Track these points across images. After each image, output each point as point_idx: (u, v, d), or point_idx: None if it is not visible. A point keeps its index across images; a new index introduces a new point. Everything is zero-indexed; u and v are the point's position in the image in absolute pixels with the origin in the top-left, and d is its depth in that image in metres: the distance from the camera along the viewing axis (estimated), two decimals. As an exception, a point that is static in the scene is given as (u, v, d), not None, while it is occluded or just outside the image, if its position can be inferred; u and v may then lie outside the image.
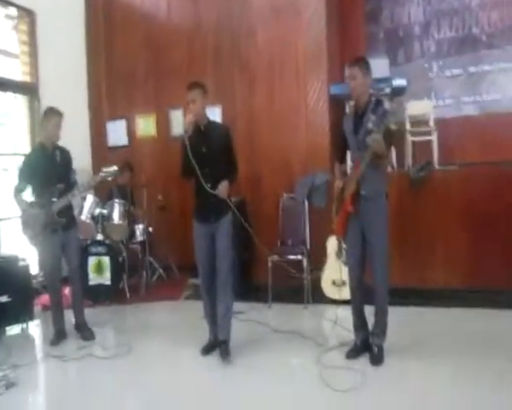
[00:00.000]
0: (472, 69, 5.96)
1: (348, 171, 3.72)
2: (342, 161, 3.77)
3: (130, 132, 6.85)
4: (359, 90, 3.46)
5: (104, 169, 4.33)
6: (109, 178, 4.40)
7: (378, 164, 3.35)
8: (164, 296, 5.60)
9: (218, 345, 3.88)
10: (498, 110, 5.81)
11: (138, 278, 5.88)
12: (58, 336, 4.35)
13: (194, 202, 3.96)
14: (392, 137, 3.28)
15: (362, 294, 3.62)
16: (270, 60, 5.90)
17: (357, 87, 3.45)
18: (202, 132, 3.81)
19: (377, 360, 3.49)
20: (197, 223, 3.89)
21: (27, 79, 6.24)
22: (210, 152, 3.77)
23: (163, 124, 6.64)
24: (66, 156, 4.41)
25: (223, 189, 3.72)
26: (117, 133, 6.88)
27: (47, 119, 4.28)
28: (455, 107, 6.03)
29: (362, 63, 3.50)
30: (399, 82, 5.47)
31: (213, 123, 4.00)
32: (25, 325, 4.76)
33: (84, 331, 4.40)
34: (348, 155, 3.76)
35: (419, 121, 5.66)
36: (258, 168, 5.83)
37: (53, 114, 4.29)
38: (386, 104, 3.39)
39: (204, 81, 6.02)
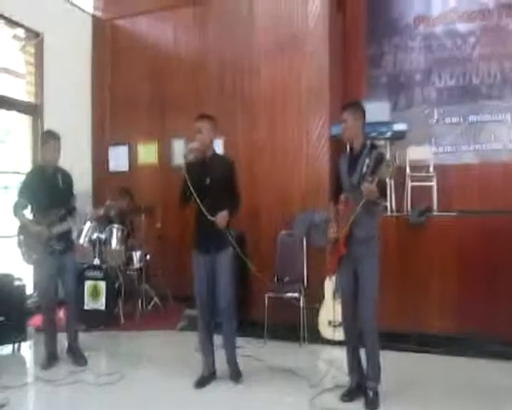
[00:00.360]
0: (472, 118, 6.09)
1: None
2: (338, 201, 3.81)
3: (132, 159, 6.91)
4: (349, 134, 3.57)
5: (108, 202, 4.37)
6: (112, 212, 4.42)
7: (372, 209, 3.41)
8: (158, 325, 5.56)
9: (230, 372, 3.98)
10: (497, 160, 5.92)
11: (133, 304, 5.85)
12: (49, 359, 4.31)
13: (193, 232, 3.97)
14: (385, 186, 3.35)
15: (356, 334, 3.61)
16: (273, 95, 5.99)
17: (347, 130, 3.57)
18: (207, 164, 3.88)
19: (372, 405, 3.46)
20: (197, 253, 3.92)
21: (32, 99, 6.32)
22: (212, 184, 3.83)
23: (165, 153, 6.71)
24: (67, 180, 4.43)
25: (221, 218, 3.76)
26: (118, 159, 6.94)
27: (44, 142, 4.32)
28: (454, 154, 6.14)
29: (353, 107, 3.61)
30: (400, 127, 5.55)
31: (218, 155, 4.08)
32: (17, 346, 4.72)
33: (77, 356, 4.36)
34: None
35: (419, 166, 5.75)
36: (258, 202, 5.86)
37: (49, 137, 4.31)
38: (383, 153, 3.49)
39: (208, 113, 6.27)
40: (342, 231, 3.52)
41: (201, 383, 3.90)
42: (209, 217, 3.74)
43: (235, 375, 3.98)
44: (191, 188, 3.72)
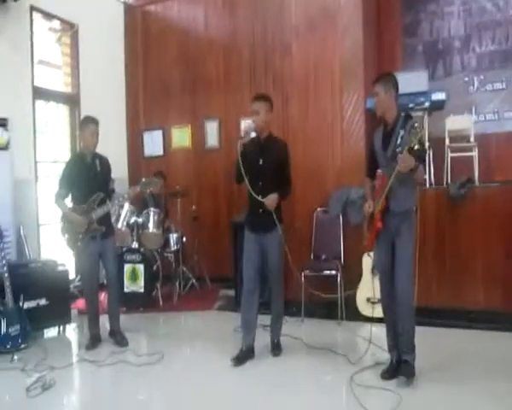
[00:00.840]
0: (515, 83, 5.81)
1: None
2: (373, 177, 3.71)
3: (166, 143, 6.96)
4: (382, 107, 3.45)
5: (143, 179, 4.40)
6: (148, 189, 4.46)
7: (406, 180, 3.29)
8: (196, 306, 5.63)
9: (272, 347, 4.10)
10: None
11: (171, 286, 5.94)
12: (93, 341, 4.43)
13: (246, 211, 4.09)
14: (416, 155, 3.19)
15: (395, 310, 3.51)
16: (306, 72, 5.89)
17: (380, 104, 3.45)
18: (261, 145, 3.93)
19: (407, 373, 3.39)
20: (247, 231, 4.03)
21: (69, 89, 6.44)
22: (265, 165, 3.89)
23: (198, 135, 6.73)
24: (105, 165, 4.51)
25: (271, 201, 3.83)
26: (153, 144, 7.01)
27: (84, 127, 4.40)
28: (496, 122, 5.87)
29: (384, 80, 3.48)
30: (439, 96, 5.36)
31: (273, 137, 4.05)
32: (62, 328, 4.89)
33: (118, 338, 4.46)
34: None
35: (459, 137, 5.53)
36: (293, 180, 5.77)
37: (89, 122, 4.39)
38: (416, 121, 3.32)
39: (239, 94, 6.26)
40: (377, 206, 3.43)
41: (240, 359, 3.92)
42: (259, 198, 3.81)
43: (277, 349, 4.08)
44: (242, 170, 3.79)
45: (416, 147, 3.11)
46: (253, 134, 3.94)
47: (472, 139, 5.45)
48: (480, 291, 4.67)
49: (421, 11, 6.33)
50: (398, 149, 3.18)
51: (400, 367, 3.46)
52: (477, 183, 5.06)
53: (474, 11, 6.07)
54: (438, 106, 5.41)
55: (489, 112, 5.92)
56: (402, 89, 3.60)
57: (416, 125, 3.06)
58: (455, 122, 5.52)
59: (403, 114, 3.43)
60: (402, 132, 3.29)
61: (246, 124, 3.91)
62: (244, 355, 3.94)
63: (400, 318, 3.45)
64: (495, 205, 4.68)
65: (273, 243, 3.92)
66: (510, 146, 5.68)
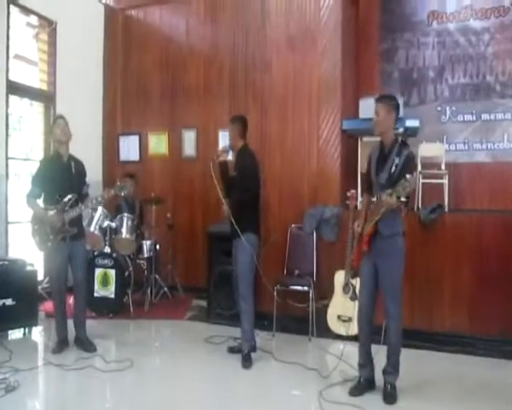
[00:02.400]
0: (484, 116, 6.05)
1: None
2: (370, 192, 3.76)
3: (142, 149, 6.91)
4: (381, 128, 3.50)
5: (118, 183, 4.37)
6: (122, 193, 4.43)
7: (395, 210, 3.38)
8: (167, 315, 5.59)
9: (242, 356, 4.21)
10: (510, 159, 5.88)
11: (143, 294, 5.90)
12: (60, 344, 4.36)
13: None
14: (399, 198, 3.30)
15: (371, 333, 3.63)
16: (285, 90, 5.97)
17: (379, 123, 3.50)
18: (236, 158, 4.35)
19: (390, 398, 3.49)
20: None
21: (44, 86, 6.33)
22: (235, 177, 4.29)
23: (175, 143, 6.72)
24: (80, 168, 4.48)
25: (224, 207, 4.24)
26: (129, 148, 6.96)
27: (53, 125, 4.42)
28: (466, 152, 6.11)
29: (387, 100, 3.54)
30: (412, 123, 5.51)
31: (243, 152, 4.36)
32: (28, 330, 4.78)
33: (86, 344, 4.38)
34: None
35: (431, 164, 5.72)
36: (268, 196, 5.85)
37: (57, 118, 4.45)
38: (413, 153, 3.46)
39: (219, 105, 6.30)
40: (366, 229, 3.51)
41: (234, 350, 4.38)
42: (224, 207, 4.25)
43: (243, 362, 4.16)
44: (216, 184, 4.22)
45: (403, 199, 3.22)
46: (230, 154, 4.45)
47: (443, 167, 5.64)
48: (447, 314, 4.82)
49: (398, 39, 6.54)
50: (388, 191, 3.22)
51: (385, 391, 3.53)
52: (447, 209, 5.24)
53: (448, 44, 6.32)
54: (411, 132, 5.57)
55: (460, 142, 6.16)
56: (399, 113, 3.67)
57: (408, 177, 3.10)
58: (427, 149, 5.71)
59: (399, 139, 3.52)
60: (397, 160, 3.39)
61: (224, 146, 4.57)
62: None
63: (389, 341, 3.55)
64: (463, 232, 4.85)
65: (237, 250, 4.22)
66: (479, 176, 5.91)
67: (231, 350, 4.41)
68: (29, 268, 4.88)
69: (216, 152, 4.52)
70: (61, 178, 4.28)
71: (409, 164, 3.39)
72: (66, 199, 4.24)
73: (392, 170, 3.39)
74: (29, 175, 4.60)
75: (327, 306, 4.93)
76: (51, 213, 4.22)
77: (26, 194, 4.32)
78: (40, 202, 4.37)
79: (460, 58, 6.28)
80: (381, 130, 3.52)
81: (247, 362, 4.11)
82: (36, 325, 4.84)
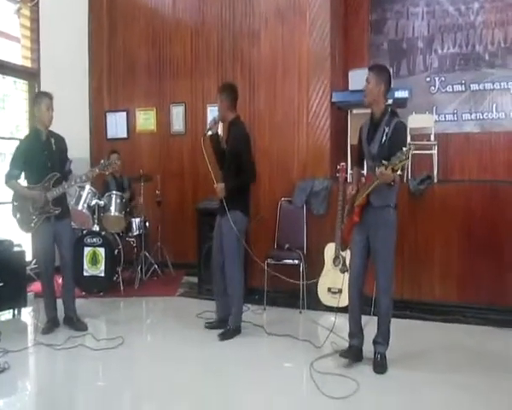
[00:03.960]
0: (474, 87, 6.04)
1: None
2: (361, 165, 3.79)
3: (130, 126, 6.82)
4: (371, 96, 3.46)
5: (102, 161, 4.29)
6: (107, 171, 4.35)
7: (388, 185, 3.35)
8: (158, 292, 5.59)
9: (223, 331, 4.20)
10: (498, 129, 5.89)
11: (133, 271, 5.89)
12: (50, 324, 4.32)
13: None
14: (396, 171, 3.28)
15: (361, 303, 3.65)
16: (273, 62, 5.89)
17: (369, 92, 3.46)
18: (227, 132, 4.21)
19: (380, 367, 3.52)
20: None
21: (28, 64, 6.20)
22: (227, 151, 4.18)
23: (163, 119, 6.64)
24: (61, 145, 4.35)
25: (217, 189, 4.09)
26: (117, 125, 6.87)
27: (38, 102, 4.23)
28: (455, 123, 6.10)
29: (378, 71, 3.50)
30: (402, 94, 5.47)
31: (235, 124, 4.22)
32: (17, 312, 4.75)
33: (76, 324, 4.35)
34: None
35: (420, 135, 5.70)
36: (258, 169, 5.73)
37: (43, 96, 4.25)
38: (403, 122, 3.44)
39: (206, 79, 6.22)
40: (357, 201, 3.50)
41: (212, 326, 4.35)
42: (214, 185, 4.11)
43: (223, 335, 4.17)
44: (208, 163, 4.11)
45: (399, 172, 3.19)
46: (212, 131, 4.21)
47: (432, 138, 5.63)
48: (436, 284, 4.86)
49: (388, 10, 6.47)
50: (384, 162, 3.16)
51: (375, 361, 3.56)
52: (436, 180, 5.24)
53: (438, 14, 6.26)
54: (400, 103, 5.54)
55: (449, 112, 6.14)
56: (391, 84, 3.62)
57: (404, 150, 3.06)
58: (417, 120, 5.69)
59: (389, 109, 3.47)
60: (387, 129, 3.36)
61: (211, 119, 4.26)
62: (216, 324, 4.33)
63: (380, 312, 3.57)
64: (452, 202, 4.86)
65: (225, 228, 4.12)
66: (468, 147, 5.92)
67: (210, 326, 4.35)
68: (16, 249, 4.83)
69: (205, 127, 4.38)
70: (41, 156, 4.17)
71: (399, 133, 3.37)
72: (48, 177, 4.15)
73: (383, 140, 3.37)
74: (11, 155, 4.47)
75: (317, 277, 4.95)
76: (33, 192, 4.15)
77: (5, 175, 4.21)
78: (22, 182, 4.27)
79: (449, 28, 6.23)
80: (371, 99, 3.47)
81: (225, 336, 4.13)
82: (25, 305, 4.81)
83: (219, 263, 4.21)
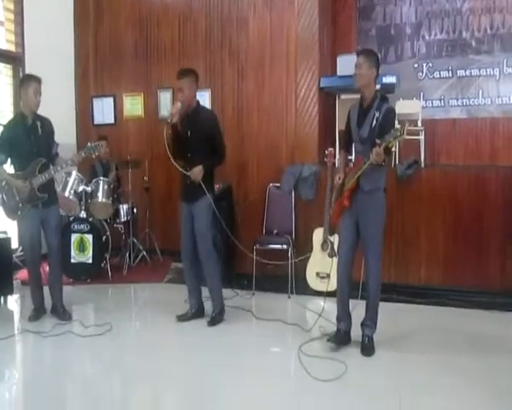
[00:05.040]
0: (460, 73, 6.07)
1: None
2: (348, 149, 3.81)
3: (117, 111, 6.74)
4: (362, 81, 3.45)
5: (89, 144, 4.21)
6: (93, 155, 4.30)
7: (378, 168, 3.38)
8: (146, 278, 5.58)
9: (211, 317, 4.19)
10: (485, 115, 5.94)
11: (121, 258, 5.86)
12: (37, 312, 4.28)
13: (180, 183, 4.22)
14: (388, 153, 3.32)
15: (349, 286, 3.67)
16: (261, 47, 5.87)
17: (360, 77, 3.44)
18: (189, 117, 4.00)
19: (368, 350, 3.55)
20: (180, 202, 4.17)
21: (12, 47, 6.09)
22: (193, 137, 3.98)
23: (151, 105, 6.57)
24: (47, 128, 4.23)
25: (195, 174, 3.94)
26: (103, 111, 6.78)
27: (25, 86, 4.10)
28: (442, 109, 6.14)
29: (369, 54, 3.51)
30: (389, 79, 5.48)
31: (201, 108, 4.14)
32: (3, 299, 4.71)
33: (60, 313, 4.27)
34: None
35: (407, 120, 5.69)
36: (246, 155, 5.82)
37: (31, 80, 4.12)
38: (393, 108, 3.45)
39: (194, 64, 6.14)
40: (347, 185, 3.51)
41: (183, 318, 4.24)
42: (185, 172, 3.96)
43: (213, 321, 4.16)
44: (167, 148, 3.92)
45: (393, 149, 3.22)
46: (175, 119, 3.96)
47: (419, 124, 5.66)
48: (422, 268, 4.93)
49: (376, -5, 6.46)
50: (377, 141, 3.19)
51: (363, 344, 3.59)
52: (423, 165, 5.28)
53: (425, 0, 6.25)
54: (388, 89, 5.54)
55: (436, 98, 6.18)
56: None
57: (399, 128, 3.08)
58: (404, 106, 5.70)
59: (379, 95, 3.48)
60: (377, 114, 3.37)
61: (174, 107, 3.96)
62: (189, 316, 4.24)
63: (368, 295, 3.61)
64: (439, 187, 4.91)
65: (200, 211, 4.05)
66: (454, 132, 5.97)
67: (181, 319, 4.24)
68: (2, 236, 4.79)
69: (171, 113, 3.94)
70: (27, 140, 4.07)
71: (389, 117, 3.39)
72: (34, 163, 4.07)
73: (373, 124, 3.38)
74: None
75: (306, 262, 4.97)
76: (17, 183, 4.07)
77: None
78: (8, 167, 4.19)
79: (437, 14, 6.24)
80: (363, 83, 3.47)
81: (214, 321, 4.14)
82: (11, 293, 4.77)
83: (190, 252, 4.15)
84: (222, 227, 4.53)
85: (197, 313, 4.27)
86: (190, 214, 4.08)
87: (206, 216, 4.07)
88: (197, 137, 3.97)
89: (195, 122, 3.98)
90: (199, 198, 4.02)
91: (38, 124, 4.16)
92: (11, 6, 6.06)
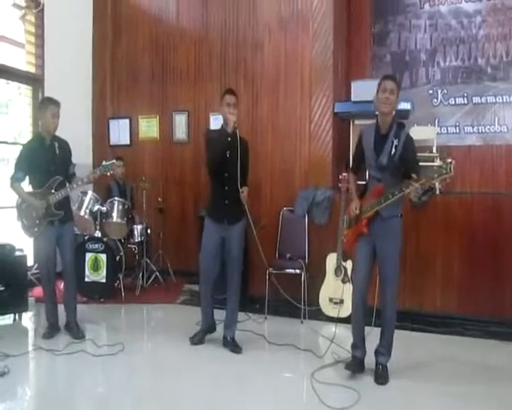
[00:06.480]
0: (476, 99, 6.06)
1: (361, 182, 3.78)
2: (357, 173, 3.81)
3: (133, 133, 6.85)
4: (391, 107, 3.41)
5: (104, 162, 4.27)
6: (108, 173, 4.35)
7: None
8: (159, 299, 5.59)
9: (225, 343, 4.13)
10: (500, 142, 5.91)
11: (134, 278, 5.89)
12: (51, 329, 4.32)
13: (210, 201, 4.13)
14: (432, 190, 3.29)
15: (365, 313, 3.64)
16: (276, 71, 5.93)
17: (392, 103, 3.40)
18: (229, 137, 3.98)
19: (382, 378, 3.51)
20: (211, 222, 4.05)
21: (32, 69, 6.24)
22: (231, 157, 3.95)
23: (166, 127, 6.67)
24: (65, 148, 4.36)
25: (245, 194, 3.96)
26: (119, 132, 6.89)
27: (44, 108, 4.23)
28: (457, 136, 6.12)
29: (397, 81, 3.48)
30: (404, 105, 5.49)
31: (238, 133, 4.08)
32: (18, 316, 4.74)
33: (74, 330, 4.32)
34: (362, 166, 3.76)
35: (422, 147, 5.70)
36: (260, 179, 5.84)
37: (50, 103, 4.23)
38: (411, 136, 3.44)
39: (209, 88, 6.26)
40: (366, 213, 3.49)
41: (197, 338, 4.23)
42: (240, 189, 3.93)
43: (232, 346, 4.10)
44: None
45: (436, 191, 3.20)
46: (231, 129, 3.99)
47: (434, 150, 5.65)
48: (438, 296, 4.87)
49: (390, 22, 6.50)
50: (413, 176, 3.18)
51: (377, 372, 3.55)
52: (438, 192, 5.26)
53: (440, 26, 6.28)
54: (403, 115, 5.54)
55: (451, 125, 6.15)
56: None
57: (444, 165, 3.07)
58: (419, 132, 5.65)
59: (396, 122, 3.47)
60: (395, 142, 3.37)
61: (234, 116, 3.93)
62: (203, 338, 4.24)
63: (384, 322, 3.57)
64: (454, 214, 4.88)
65: (237, 235, 4.03)
66: (469, 159, 5.92)
67: (194, 340, 4.23)
68: (18, 253, 4.83)
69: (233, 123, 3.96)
70: (45, 160, 4.19)
71: (411, 146, 3.39)
72: (51, 181, 4.17)
73: (392, 152, 3.37)
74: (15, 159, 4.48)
75: (319, 287, 4.94)
76: (34, 201, 4.16)
77: (10, 177, 4.23)
78: (26, 185, 4.29)
79: (452, 41, 6.25)
80: (391, 109, 3.43)
81: (236, 348, 4.09)
82: (26, 310, 4.80)
83: (215, 275, 4.11)
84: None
85: (210, 328, 4.27)
86: (222, 237, 4.00)
87: (242, 239, 4.09)
88: (235, 159, 3.90)
89: (235, 144, 3.93)
90: (239, 220, 4.03)
91: (56, 145, 4.28)
92: (32, 29, 6.23)
